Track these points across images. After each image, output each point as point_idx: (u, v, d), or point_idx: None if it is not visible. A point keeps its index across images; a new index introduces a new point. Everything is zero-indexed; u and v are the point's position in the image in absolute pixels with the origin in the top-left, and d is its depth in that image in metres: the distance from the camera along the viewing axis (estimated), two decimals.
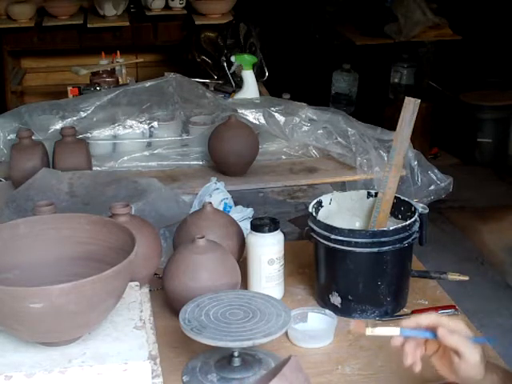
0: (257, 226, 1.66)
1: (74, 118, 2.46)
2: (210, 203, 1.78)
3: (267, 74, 3.28)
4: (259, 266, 1.66)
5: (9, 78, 4.51)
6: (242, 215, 1.96)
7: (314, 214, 1.67)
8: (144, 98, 2.54)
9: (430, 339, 1.16)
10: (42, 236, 1.38)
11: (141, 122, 2.50)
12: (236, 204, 2.02)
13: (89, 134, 2.44)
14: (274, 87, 3.33)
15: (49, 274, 1.35)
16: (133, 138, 2.50)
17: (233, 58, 2.98)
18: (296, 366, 1.12)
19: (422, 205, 1.71)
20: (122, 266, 1.22)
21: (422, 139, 4.59)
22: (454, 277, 1.76)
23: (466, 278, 1.77)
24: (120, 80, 3.11)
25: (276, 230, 1.67)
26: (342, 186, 2.36)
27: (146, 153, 2.49)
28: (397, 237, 1.59)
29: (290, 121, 2.49)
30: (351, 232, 1.59)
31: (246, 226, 1.80)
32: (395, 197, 1.72)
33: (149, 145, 2.53)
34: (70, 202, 1.97)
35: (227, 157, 2.35)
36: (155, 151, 2.49)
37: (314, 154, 2.54)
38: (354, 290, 1.62)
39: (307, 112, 2.54)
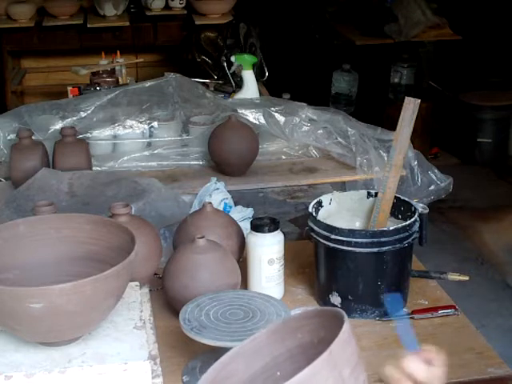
0: (257, 226, 1.66)
1: (74, 118, 2.46)
2: (210, 203, 1.78)
3: (267, 74, 3.27)
4: (259, 266, 1.66)
5: (9, 78, 4.51)
6: (242, 215, 1.96)
7: (314, 214, 1.67)
8: (144, 98, 2.54)
9: None
10: (41, 236, 1.38)
11: (141, 122, 2.50)
12: (236, 204, 2.02)
13: (89, 134, 2.44)
14: (274, 87, 3.33)
15: (49, 273, 1.35)
16: (133, 138, 2.50)
17: (233, 58, 2.98)
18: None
19: (422, 205, 1.70)
20: (121, 266, 1.22)
21: (422, 139, 4.58)
22: (454, 277, 1.76)
23: (466, 278, 1.77)
24: (120, 80, 3.11)
25: (276, 229, 1.67)
26: (342, 186, 2.36)
27: (146, 153, 2.49)
28: (397, 237, 1.59)
29: (289, 121, 2.49)
30: (351, 232, 1.59)
31: (246, 226, 1.80)
32: (395, 197, 1.72)
33: (149, 145, 2.53)
34: (70, 202, 1.97)
35: (227, 157, 2.34)
36: (155, 151, 2.49)
37: (314, 154, 2.53)
38: (354, 290, 1.62)
39: (307, 112, 2.54)
